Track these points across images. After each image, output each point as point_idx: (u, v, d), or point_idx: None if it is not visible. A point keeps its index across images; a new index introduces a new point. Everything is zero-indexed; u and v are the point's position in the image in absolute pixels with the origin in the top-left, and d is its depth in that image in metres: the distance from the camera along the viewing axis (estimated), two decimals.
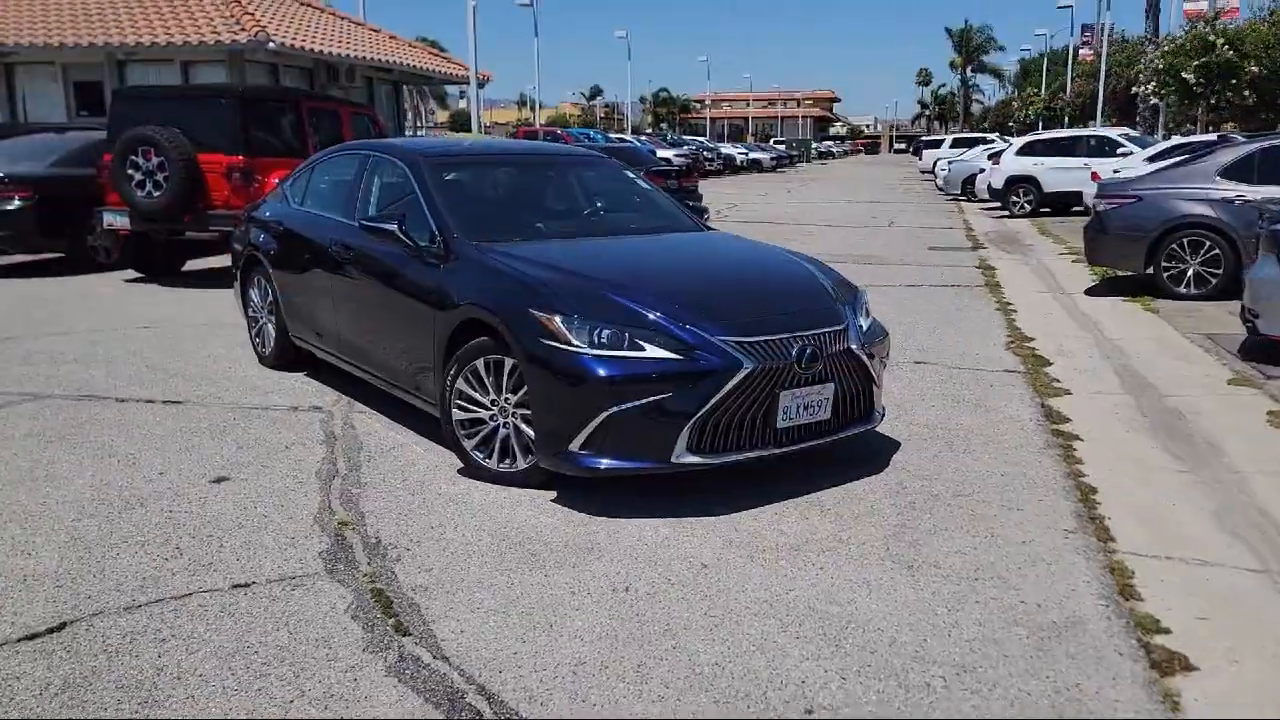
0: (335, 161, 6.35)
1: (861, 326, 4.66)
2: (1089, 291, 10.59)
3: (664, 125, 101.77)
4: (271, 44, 18.52)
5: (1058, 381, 6.54)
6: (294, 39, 19.68)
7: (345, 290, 5.63)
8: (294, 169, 6.87)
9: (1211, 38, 26.92)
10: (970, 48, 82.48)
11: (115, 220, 10.45)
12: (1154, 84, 28.17)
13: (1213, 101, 27.56)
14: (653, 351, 4.09)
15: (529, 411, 4.35)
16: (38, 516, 4.13)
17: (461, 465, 4.71)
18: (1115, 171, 14.10)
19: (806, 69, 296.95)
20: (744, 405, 4.13)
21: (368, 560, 3.73)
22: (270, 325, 6.70)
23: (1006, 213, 21.54)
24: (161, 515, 4.17)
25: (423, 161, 5.41)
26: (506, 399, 4.46)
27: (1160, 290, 9.82)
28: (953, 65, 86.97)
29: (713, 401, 4.05)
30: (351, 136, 11.69)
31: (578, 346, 4.11)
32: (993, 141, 37.68)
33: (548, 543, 3.90)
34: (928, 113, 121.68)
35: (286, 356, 6.65)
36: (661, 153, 29.78)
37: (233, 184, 9.98)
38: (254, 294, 6.86)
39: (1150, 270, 9.86)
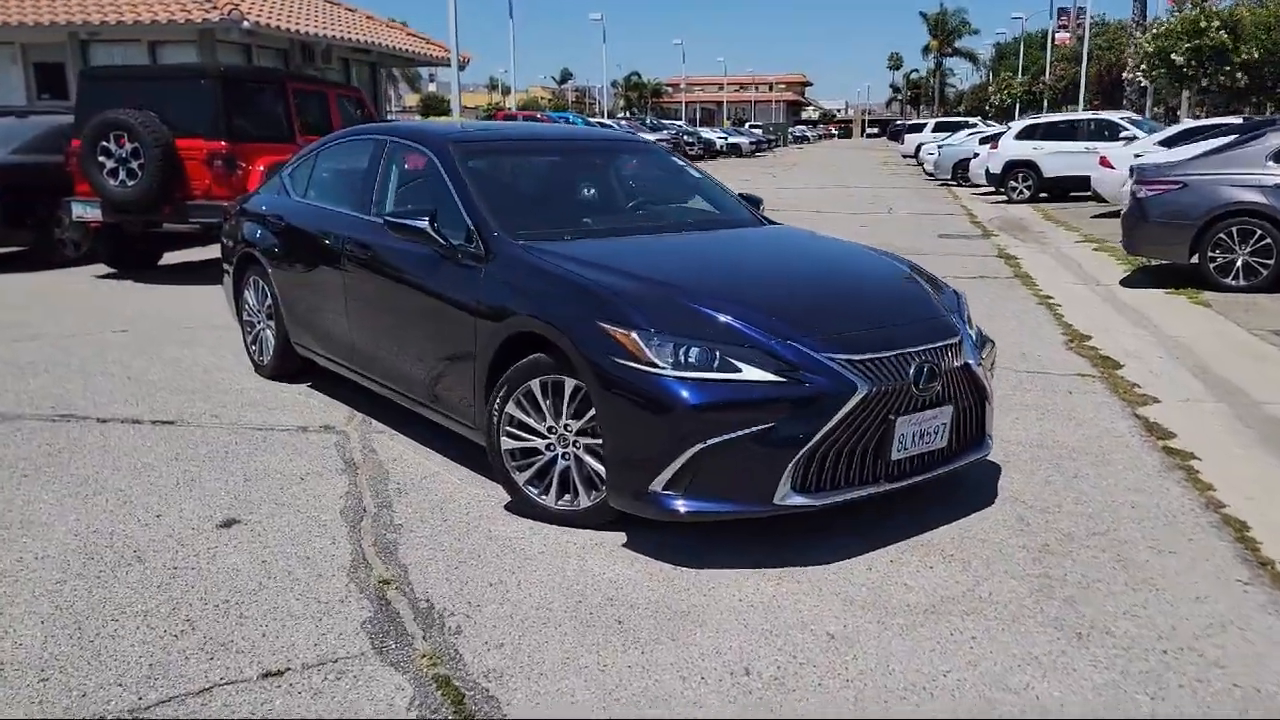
0: (344, 148, 5.63)
1: (972, 337, 4.05)
2: (1124, 282, 10.06)
3: (634, 110, 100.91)
4: (246, 23, 17.61)
5: (1138, 387, 5.98)
6: (269, 18, 18.77)
7: (361, 295, 4.95)
8: (292, 156, 6.14)
9: (1203, 22, 26.59)
10: (945, 31, 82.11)
11: (85, 211, 9.64)
12: (1144, 67, 27.75)
13: (1203, 84, 27.23)
14: (750, 373, 3.45)
15: (594, 440, 3.72)
16: (14, 578, 3.44)
17: (509, 499, 4.07)
18: (1137, 156, 13.57)
19: (778, 53, 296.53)
20: (856, 435, 3.51)
21: (423, 633, 3.08)
22: (269, 331, 5.99)
23: (1004, 198, 21.05)
24: (164, 573, 3.48)
25: (452, 148, 4.73)
26: (567, 426, 3.82)
27: (1205, 281, 9.29)
28: (927, 49, 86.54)
29: (822, 432, 3.42)
30: (339, 120, 10.94)
31: (660, 368, 3.46)
32: (975, 125, 37.31)
33: (634, 605, 3.27)
34: (900, 97, 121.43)
35: (287, 366, 5.95)
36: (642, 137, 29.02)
37: (214, 172, 9.21)
38: (249, 296, 6.14)
39: (1195, 260, 9.34)
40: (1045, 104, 49.21)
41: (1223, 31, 26.38)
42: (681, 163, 5.66)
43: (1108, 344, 7.16)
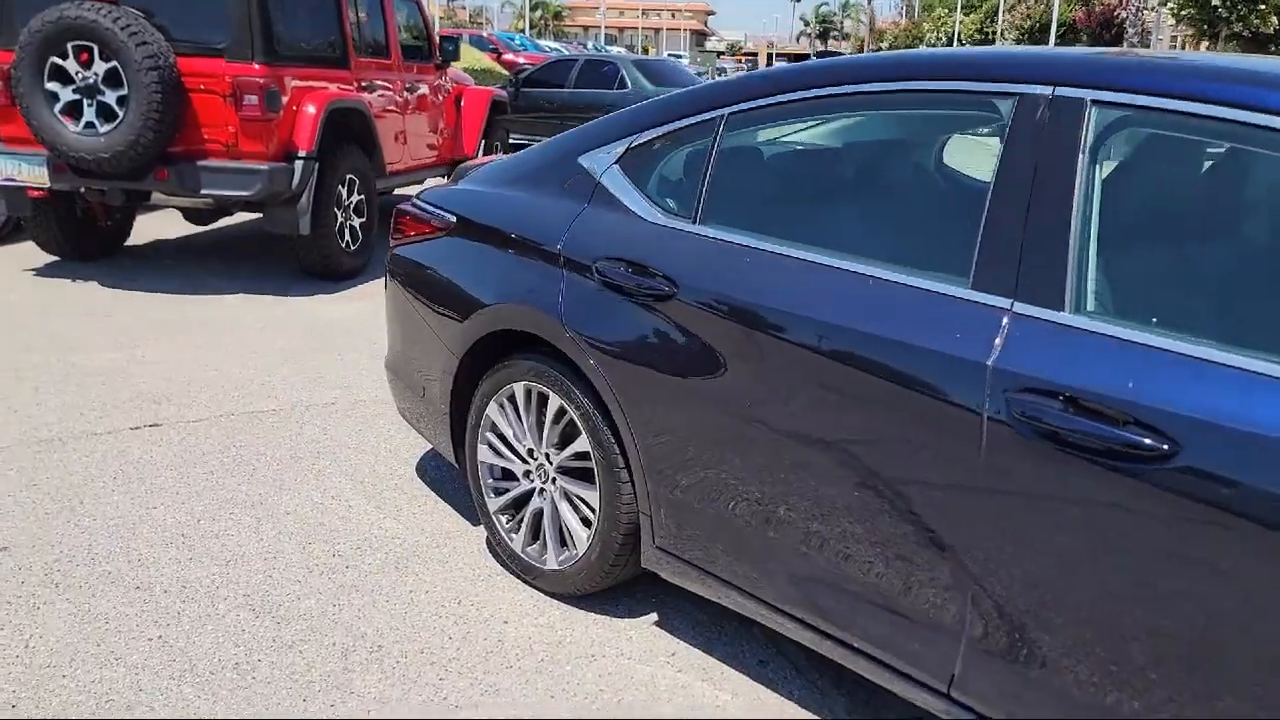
0: (853, 114, 2.28)
1: None
2: None
3: (528, 32, 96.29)
4: None
5: None
6: None
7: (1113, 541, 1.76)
8: (644, 120, 2.69)
9: None
10: None
11: (19, 170, 5.92)
12: (1171, 5, 25.75)
13: (1235, 28, 25.32)
14: None
15: None
16: None
17: None
18: None
19: None
20: None
21: None
22: (569, 507, 2.74)
23: None
24: None
25: None
26: None
27: None
28: None
29: None
30: (396, 34, 7.42)
31: None
32: None
33: None
34: (809, 30, 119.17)
35: (610, 580, 2.74)
36: None
37: (244, 113, 5.65)
38: (510, 423, 2.83)
39: None
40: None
41: None
42: None
43: None
